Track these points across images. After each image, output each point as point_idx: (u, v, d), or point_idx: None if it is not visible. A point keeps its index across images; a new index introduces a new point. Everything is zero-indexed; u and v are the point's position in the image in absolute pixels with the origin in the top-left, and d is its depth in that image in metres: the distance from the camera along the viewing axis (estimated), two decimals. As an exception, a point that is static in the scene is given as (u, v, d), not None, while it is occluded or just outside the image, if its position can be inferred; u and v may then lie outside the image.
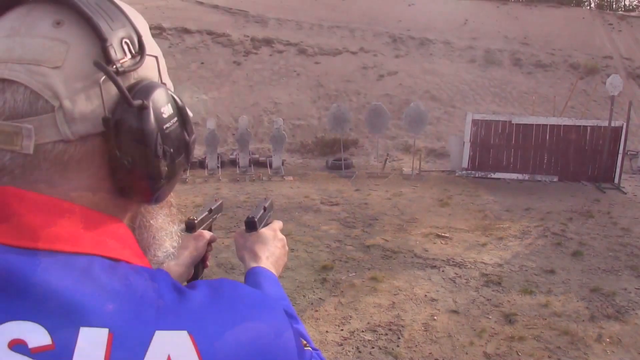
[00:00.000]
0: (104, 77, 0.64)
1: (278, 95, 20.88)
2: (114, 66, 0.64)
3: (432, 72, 24.37)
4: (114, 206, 0.71)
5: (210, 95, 19.62)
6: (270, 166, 14.55)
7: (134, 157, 0.67)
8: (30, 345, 0.52)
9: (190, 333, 0.59)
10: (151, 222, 0.81)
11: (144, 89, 0.68)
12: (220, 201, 1.58)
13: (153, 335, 0.56)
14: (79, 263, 0.59)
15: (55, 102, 0.61)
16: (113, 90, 0.65)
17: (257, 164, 15.29)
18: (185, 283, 1.26)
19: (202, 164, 14.46)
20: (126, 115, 0.65)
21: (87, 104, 0.64)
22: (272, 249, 1.26)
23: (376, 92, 21.61)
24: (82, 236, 0.63)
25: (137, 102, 0.65)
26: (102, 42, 0.64)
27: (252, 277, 1.13)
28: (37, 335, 0.53)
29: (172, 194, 0.87)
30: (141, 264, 0.68)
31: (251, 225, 1.29)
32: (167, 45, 22.18)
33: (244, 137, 14.18)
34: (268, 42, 24.75)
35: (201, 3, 30.06)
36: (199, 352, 0.58)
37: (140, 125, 0.66)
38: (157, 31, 22.72)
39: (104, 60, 0.64)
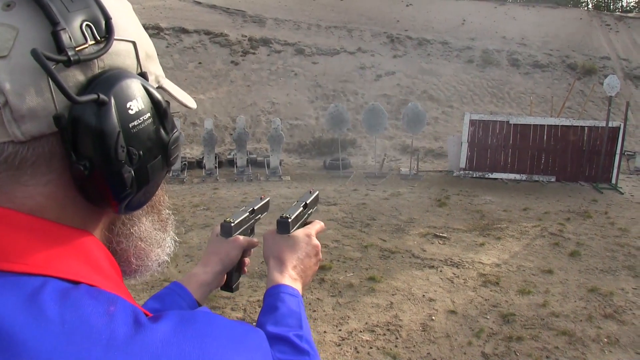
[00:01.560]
0: (53, 67, 0.54)
1: (276, 95, 20.89)
2: (66, 54, 0.55)
3: (430, 72, 24.41)
4: (83, 215, 0.64)
5: (207, 95, 19.62)
6: (268, 166, 14.54)
7: (92, 161, 0.58)
8: None
9: None
10: (132, 230, 0.72)
11: (106, 81, 0.59)
12: (267, 199, 1.41)
13: None
14: (28, 286, 0.52)
15: (0, 98, 0.54)
16: (70, 82, 0.57)
17: (255, 164, 15.30)
18: (216, 291, 1.21)
19: (199, 164, 14.47)
20: (83, 112, 0.57)
21: (38, 99, 0.55)
22: (301, 257, 1.12)
23: (374, 92, 21.64)
24: (36, 254, 0.56)
25: (90, 97, 0.56)
26: (52, 25, 0.55)
27: (269, 299, 1.01)
28: None
29: (164, 197, 0.80)
30: (106, 285, 0.60)
31: (283, 227, 1.15)
32: (164, 45, 22.17)
33: (241, 137, 14.17)
34: (266, 42, 24.76)
35: (199, 3, 30.05)
36: None
37: (98, 123, 0.57)
38: (155, 31, 22.71)
39: (54, 47, 0.55)
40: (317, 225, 1.22)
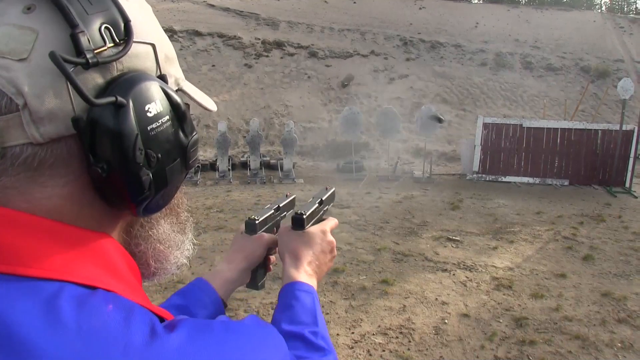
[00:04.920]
0: (72, 70, 0.54)
1: (289, 98, 20.93)
2: (84, 57, 0.55)
3: (443, 75, 24.37)
4: (100, 217, 0.64)
5: (221, 98, 19.69)
6: (281, 169, 14.59)
7: (110, 163, 0.58)
8: None
9: None
10: (150, 232, 0.72)
11: (125, 83, 0.59)
12: (292, 196, 1.40)
13: None
14: (45, 291, 0.52)
15: (20, 100, 0.54)
16: (89, 84, 0.58)
17: (268, 166, 15.33)
18: (241, 288, 1.19)
19: (213, 167, 14.53)
20: (100, 115, 0.57)
21: (56, 101, 0.56)
22: (317, 253, 1.11)
23: (387, 95, 21.61)
24: (53, 258, 0.56)
25: (108, 99, 0.57)
26: (71, 28, 0.56)
27: (285, 297, 1.01)
28: None
29: (182, 200, 0.81)
30: (124, 290, 0.60)
31: (298, 223, 1.14)
32: (178, 48, 22.25)
33: (255, 140, 14.21)
34: (279, 44, 24.81)
35: (212, 6, 30.18)
36: None
37: (116, 126, 0.57)
38: (169, 34, 22.63)
39: (73, 49, 0.56)
40: (331, 221, 1.21)
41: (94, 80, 0.58)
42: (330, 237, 1.16)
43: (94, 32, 0.58)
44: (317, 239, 1.13)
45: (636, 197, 12.28)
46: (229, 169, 14.20)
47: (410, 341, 4.93)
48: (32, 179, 0.58)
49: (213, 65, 22.02)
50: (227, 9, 29.56)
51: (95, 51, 0.57)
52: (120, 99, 0.57)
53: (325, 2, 34.64)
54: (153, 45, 0.66)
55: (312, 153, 17.92)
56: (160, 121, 0.62)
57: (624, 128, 13.23)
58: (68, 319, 0.50)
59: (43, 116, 0.55)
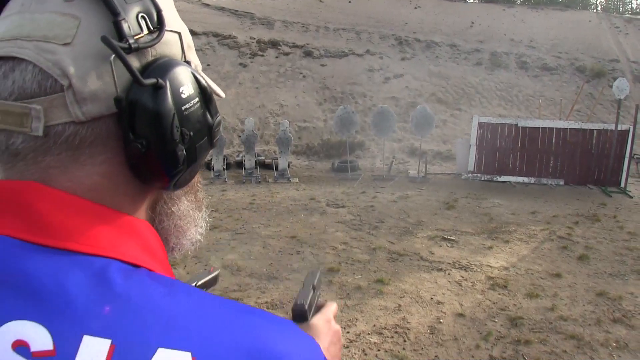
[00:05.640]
0: (114, 55, 0.59)
1: (284, 98, 20.93)
2: (127, 42, 0.59)
3: (438, 74, 24.39)
4: (133, 194, 0.68)
5: (216, 97, 19.67)
6: (276, 168, 14.57)
7: (149, 140, 0.62)
8: (33, 348, 0.50)
9: (194, 356, 0.54)
10: (173, 209, 0.76)
11: (161, 67, 0.64)
12: (216, 272, 1.23)
13: (155, 352, 0.53)
14: (94, 265, 0.56)
15: (65, 81, 0.58)
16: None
17: (263, 166, 15.33)
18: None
19: (208, 166, 14.50)
20: (140, 95, 0.61)
21: (99, 83, 0.60)
22: (325, 346, 1.01)
23: (382, 95, 21.64)
24: (101, 237, 0.60)
25: (151, 80, 0.61)
26: (114, 16, 0.60)
27: None
28: (40, 339, 0.51)
29: (199, 179, 0.85)
30: (162, 271, 0.64)
31: (301, 316, 1.03)
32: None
33: (250, 139, 14.20)
34: (274, 44, 24.81)
35: (207, 5, 30.16)
36: None
37: (155, 105, 0.62)
38: (164, 33, 22.78)
39: (116, 36, 0.59)
40: (332, 307, 1.12)
41: (132, 64, 0.61)
42: (336, 326, 1.07)
43: (132, 20, 0.62)
44: (324, 331, 1.04)
45: (631, 197, 12.31)
46: (224, 169, 14.17)
47: (405, 340, 4.92)
48: (73, 157, 0.61)
49: (208, 65, 22.00)
50: (222, 8, 29.54)
51: (134, 37, 0.61)
52: (160, 80, 0.62)
53: (321, 1, 34.67)
54: (179, 34, 0.71)
55: (307, 152, 17.93)
56: (191, 102, 0.67)
57: (619, 128, 13.25)
58: (118, 288, 0.55)
59: (86, 96, 0.59)
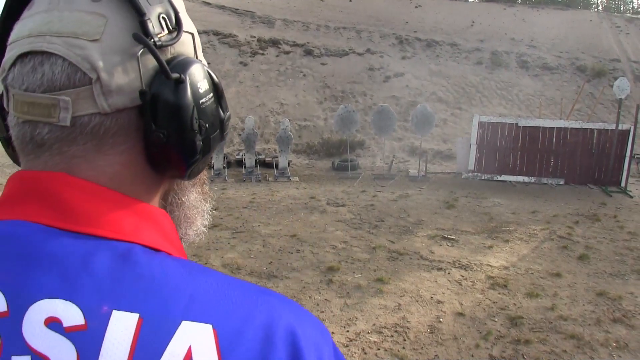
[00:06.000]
0: (141, 51, 0.64)
1: (284, 96, 20.92)
2: (152, 40, 0.64)
3: (438, 73, 24.38)
4: (149, 182, 0.72)
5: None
6: (277, 167, 14.56)
7: (170, 130, 0.67)
8: (65, 324, 0.54)
9: (215, 328, 0.58)
10: (183, 199, 0.81)
11: (181, 64, 0.68)
12: None
13: (180, 324, 0.56)
14: (119, 249, 0.61)
15: (93, 75, 0.62)
16: (150, 64, 0.66)
17: (264, 164, 15.32)
18: None
19: (208, 164, 14.49)
20: (163, 89, 0.66)
21: (124, 77, 0.64)
22: None
23: (382, 94, 21.63)
24: (123, 223, 0.64)
25: (175, 75, 0.65)
26: (140, 16, 0.64)
27: None
28: (71, 315, 0.54)
29: (206, 172, 0.89)
30: (178, 255, 0.68)
31: None
32: (174, 46, 22.22)
33: (250, 138, 14.19)
34: (274, 43, 24.80)
35: (208, 4, 30.14)
36: (219, 349, 0.57)
37: (177, 98, 0.66)
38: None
39: (142, 34, 0.64)
40: None
41: (154, 60, 0.66)
42: None
43: (155, 20, 0.67)
44: None
45: (632, 197, 12.30)
46: (224, 167, 14.18)
47: (405, 340, 4.92)
48: (96, 147, 0.65)
49: (209, 63, 21.60)
50: (222, 7, 29.53)
51: (158, 36, 0.66)
52: (182, 75, 0.66)
53: (321, 0, 34.64)
54: (192, 35, 0.76)
55: (307, 151, 17.92)
56: (207, 97, 0.72)
57: (619, 128, 13.26)
58: (142, 269, 0.59)
59: (112, 89, 0.63)
